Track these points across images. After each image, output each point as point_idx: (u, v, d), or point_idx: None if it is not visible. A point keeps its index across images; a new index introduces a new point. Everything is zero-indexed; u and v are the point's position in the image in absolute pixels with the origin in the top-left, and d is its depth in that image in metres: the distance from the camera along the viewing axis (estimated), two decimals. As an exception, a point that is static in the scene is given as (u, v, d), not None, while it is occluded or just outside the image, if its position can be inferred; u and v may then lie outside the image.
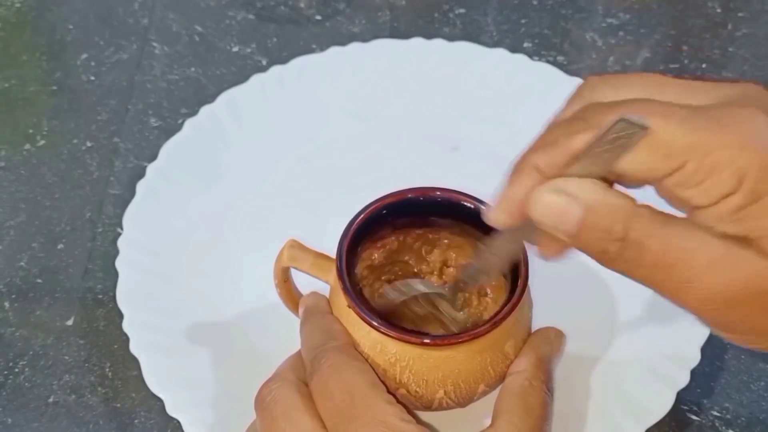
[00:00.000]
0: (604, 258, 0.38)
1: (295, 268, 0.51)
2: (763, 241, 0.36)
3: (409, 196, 0.51)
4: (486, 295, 0.52)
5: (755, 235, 0.36)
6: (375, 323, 0.46)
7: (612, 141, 0.36)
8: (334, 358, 0.45)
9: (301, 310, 0.50)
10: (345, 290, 0.47)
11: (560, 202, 0.38)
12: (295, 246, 0.50)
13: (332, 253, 0.49)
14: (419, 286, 0.51)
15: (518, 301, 0.47)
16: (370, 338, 0.47)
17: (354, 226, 0.49)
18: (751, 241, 0.36)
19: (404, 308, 0.51)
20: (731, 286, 0.37)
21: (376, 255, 0.53)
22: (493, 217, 0.40)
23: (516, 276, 0.48)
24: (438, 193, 0.51)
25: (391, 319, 0.48)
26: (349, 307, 0.47)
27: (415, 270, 0.54)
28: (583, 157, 0.37)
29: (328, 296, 0.50)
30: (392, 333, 0.46)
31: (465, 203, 0.50)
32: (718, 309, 0.37)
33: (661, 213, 0.37)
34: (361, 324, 0.47)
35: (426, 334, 0.47)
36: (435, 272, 0.54)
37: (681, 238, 0.37)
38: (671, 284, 0.37)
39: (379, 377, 0.46)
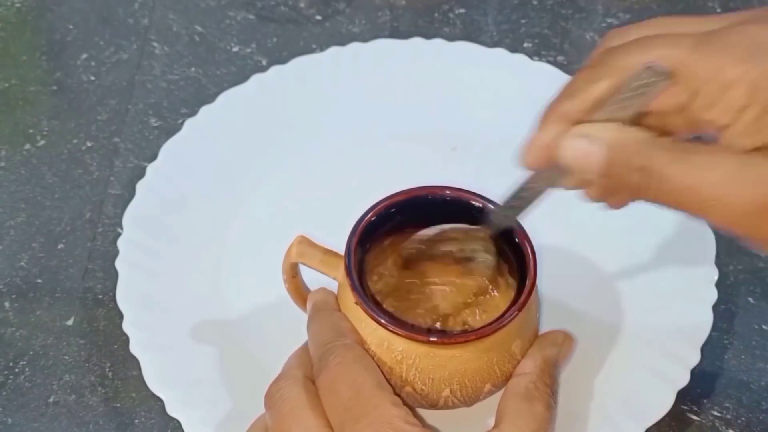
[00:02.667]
0: (631, 190, 0.40)
1: (304, 264, 0.51)
2: None
3: (419, 194, 0.51)
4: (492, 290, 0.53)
5: None
6: (382, 320, 0.46)
7: (636, 88, 0.39)
8: (342, 355, 0.45)
9: (309, 306, 0.50)
10: (353, 287, 0.47)
11: (585, 145, 0.40)
12: (304, 242, 0.51)
13: (339, 250, 0.49)
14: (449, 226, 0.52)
15: (525, 301, 0.47)
16: (376, 335, 0.47)
17: (363, 223, 0.50)
18: None
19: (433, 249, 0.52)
20: (756, 196, 0.38)
21: (386, 253, 0.53)
22: (524, 160, 0.42)
23: (524, 276, 0.48)
24: (447, 192, 0.51)
25: (399, 312, 0.48)
26: (357, 303, 0.47)
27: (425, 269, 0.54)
28: (607, 103, 0.39)
29: (337, 292, 0.50)
30: (399, 330, 0.46)
31: (474, 202, 0.50)
32: (748, 221, 0.38)
33: (682, 141, 0.39)
34: (368, 321, 0.47)
35: (433, 332, 0.47)
36: (444, 269, 0.54)
37: (701, 160, 0.38)
38: (698, 205, 0.39)
39: (384, 375, 0.46)
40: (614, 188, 0.41)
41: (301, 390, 0.45)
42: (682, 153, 0.39)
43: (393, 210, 0.50)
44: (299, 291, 0.52)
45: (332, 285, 0.51)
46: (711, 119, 0.39)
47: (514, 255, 0.50)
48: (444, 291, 0.53)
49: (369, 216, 0.50)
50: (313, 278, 0.52)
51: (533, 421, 0.45)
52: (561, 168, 0.41)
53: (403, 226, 0.52)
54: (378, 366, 0.46)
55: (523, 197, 0.46)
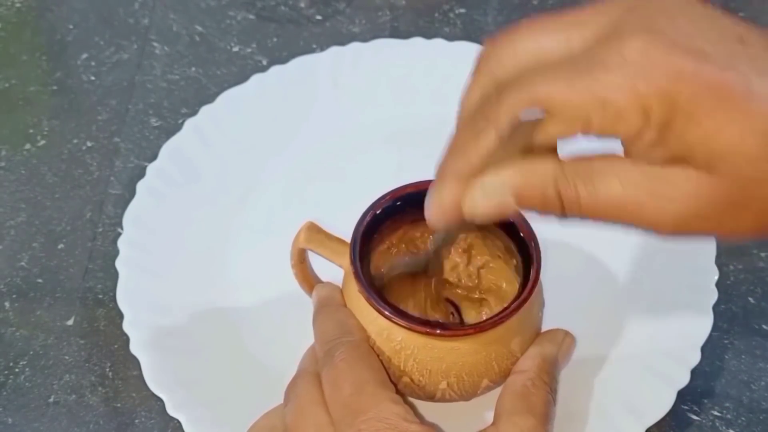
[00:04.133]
0: (555, 217, 0.40)
1: (311, 250, 0.51)
2: (693, 157, 0.37)
3: (426, 188, 0.51)
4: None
5: (683, 155, 0.37)
6: (382, 309, 0.47)
7: (520, 131, 0.38)
8: (347, 352, 0.46)
9: (314, 301, 0.51)
10: (356, 275, 0.48)
11: (491, 199, 0.40)
12: (313, 228, 0.51)
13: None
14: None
15: (526, 299, 0.47)
16: (377, 324, 0.47)
17: (371, 213, 0.50)
18: (682, 159, 0.37)
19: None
20: (677, 207, 0.37)
21: (391, 245, 0.53)
22: (432, 222, 0.42)
23: (528, 274, 0.48)
24: None
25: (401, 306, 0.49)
26: (359, 292, 0.47)
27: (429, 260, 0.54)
28: (498, 148, 0.39)
29: (342, 281, 0.51)
30: (399, 320, 0.46)
31: None
32: (677, 229, 0.38)
33: (589, 160, 0.39)
34: (369, 309, 0.47)
35: (433, 324, 0.48)
36: (447, 260, 0.54)
37: (611, 181, 0.38)
38: (621, 221, 0.39)
39: (383, 364, 0.46)
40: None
41: (312, 386, 0.46)
42: (590, 175, 0.38)
43: (400, 203, 0.51)
44: (307, 277, 0.53)
45: (338, 273, 0.51)
46: (607, 140, 0.38)
47: (520, 252, 0.50)
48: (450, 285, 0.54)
49: (377, 207, 0.50)
50: (321, 265, 0.52)
51: (531, 417, 0.45)
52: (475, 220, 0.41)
53: (410, 219, 0.52)
54: (377, 356, 0.47)
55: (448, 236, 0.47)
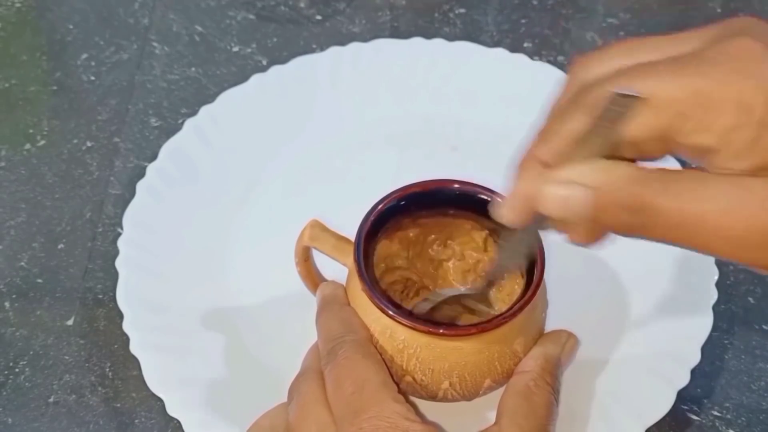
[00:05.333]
0: (626, 230, 0.38)
1: (315, 248, 0.51)
2: None
3: (430, 187, 0.51)
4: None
5: None
6: (385, 308, 0.47)
7: (609, 117, 0.36)
8: (350, 351, 0.46)
9: (318, 299, 0.51)
10: (360, 273, 0.48)
11: (569, 192, 0.38)
12: (317, 226, 0.51)
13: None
14: (446, 291, 0.52)
15: (530, 299, 0.47)
16: (380, 323, 0.47)
17: (375, 212, 0.50)
18: None
19: (438, 314, 0.51)
20: (758, 222, 0.35)
21: (395, 244, 0.53)
22: (504, 216, 0.40)
23: (532, 275, 0.48)
24: (456, 185, 0.51)
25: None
26: (363, 290, 0.48)
27: (434, 261, 0.54)
28: (584, 139, 0.37)
29: (346, 279, 0.51)
30: (402, 319, 0.47)
31: (482, 196, 0.50)
32: (753, 250, 0.36)
33: (671, 171, 0.37)
34: (373, 308, 0.47)
35: (435, 323, 0.48)
36: (453, 261, 0.54)
37: (695, 191, 0.36)
38: (698, 239, 0.36)
39: (386, 363, 0.46)
40: (602, 230, 0.39)
41: (316, 385, 0.46)
42: (674, 185, 0.36)
43: (405, 202, 0.51)
44: (311, 275, 0.53)
45: (342, 272, 0.51)
46: (697, 144, 0.36)
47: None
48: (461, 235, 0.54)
49: (382, 205, 0.50)
50: (325, 264, 0.52)
51: (533, 418, 0.45)
52: (545, 218, 0.39)
53: (415, 218, 0.52)
54: (380, 355, 0.47)
55: (512, 253, 0.45)
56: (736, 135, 0.36)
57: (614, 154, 0.38)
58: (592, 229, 0.39)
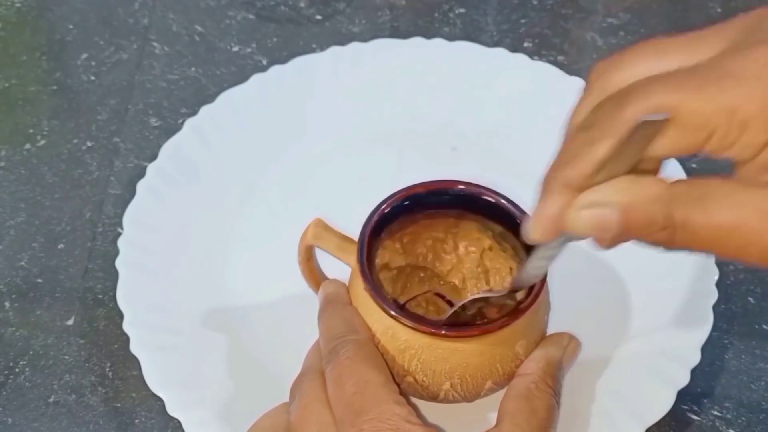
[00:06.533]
0: (658, 245, 0.38)
1: (319, 247, 0.51)
2: None
3: (435, 188, 0.51)
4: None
5: None
6: (387, 308, 0.47)
7: (636, 142, 0.36)
8: (352, 350, 0.46)
9: (320, 297, 0.51)
10: (362, 273, 0.48)
11: (597, 214, 0.38)
12: (320, 225, 0.51)
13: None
14: (469, 297, 0.51)
15: (533, 302, 0.47)
16: (382, 323, 0.47)
17: (379, 212, 0.50)
18: None
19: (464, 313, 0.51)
20: None
21: (398, 244, 0.53)
22: (532, 236, 0.40)
23: None
24: (461, 186, 0.51)
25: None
26: (365, 290, 0.47)
27: (436, 261, 0.54)
28: (610, 161, 0.37)
29: (349, 279, 0.50)
30: (404, 320, 0.46)
31: (487, 197, 0.51)
32: None
33: (699, 183, 0.37)
34: (375, 308, 0.47)
35: (438, 324, 0.47)
36: (454, 262, 0.54)
37: (726, 205, 0.36)
38: (732, 250, 0.36)
39: (387, 364, 0.46)
40: (630, 239, 0.39)
41: (317, 385, 0.46)
42: (703, 199, 0.36)
43: (409, 202, 0.51)
44: (313, 274, 0.53)
45: (345, 271, 0.51)
46: (728, 156, 0.36)
47: (527, 255, 0.50)
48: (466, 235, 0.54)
49: (386, 205, 0.50)
50: (326, 263, 0.52)
51: (534, 421, 0.45)
52: (573, 236, 0.39)
53: (419, 218, 0.52)
54: (382, 355, 0.47)
55: (540, 262, 0.45)
56: (762, 150, 0.36)
57: (638, 167, 0.38)
58: (620, 239, 0.39)
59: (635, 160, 0.37)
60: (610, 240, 0.39)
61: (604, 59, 0.40)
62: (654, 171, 0.39)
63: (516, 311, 0.47)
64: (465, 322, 0.49)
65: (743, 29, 0.38)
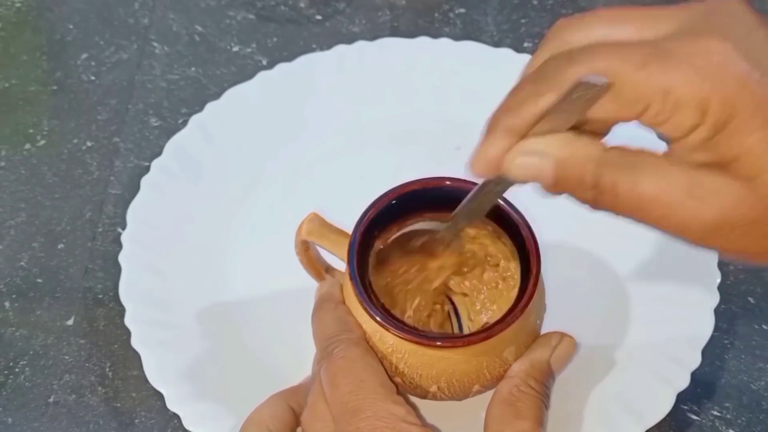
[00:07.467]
0: (585, 203, 0.40)
1: (313, 242, 0.51)
2: (736, 166, 0.37)
3: (424, 186, 0.51)
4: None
5: (727, 161, 0.37)
6: (373, 314, 0.47)
7: (574, 101, 0.38)
8: (347, 349, 0.46)
9: (315, 298, 0.51)
10: (351, 277, 0.48)
11: (532, 162, 0.40)
12: (315, 219, 0.51)
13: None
14: (419, 225, 0.51)
15: (521, 313, 0.47)
16: (370, 325, 0.48)
17: (370, 214, 0.50)
18: (725, 165, 0.37)
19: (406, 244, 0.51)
20: (710, 213, 0.37)
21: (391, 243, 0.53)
22: (473, 170, 0.42)
23: (527, 280, 0.48)
24: (448, 182, 0.51)
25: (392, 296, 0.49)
26: (354, 294, 0.48)
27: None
28: (549, 114, 0.39)
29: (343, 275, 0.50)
30: (388, 327, 0.46)
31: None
32: (704, 236, 0.38)
33: (632, 153, 0.39)
34: (363, 311, 0.47)
35: (420, 333, 0.47)
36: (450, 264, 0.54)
37: (651, 177, 0.38)
38: (652, 218, 0.39)
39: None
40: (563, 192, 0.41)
41: (319, 384, 0.46)
42: (633, 169, 0.38)
43: (402, 200, 0.50)
44: (312, 263, 0.53)
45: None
46: (660, 132, 0.38)
47: (521, 258, 0.49)
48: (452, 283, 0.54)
49: (378, 204, 0.50)
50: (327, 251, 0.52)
51: (519, 422, 0.45)
52: (510, 179, 0.41)
53: (411, 217, 0.52)
54: (383, 367, 0.47)
55: (482, 198, 0.46)
56: (689, 135, 0.37)
57: (582, 126, 0.40)
58: (554, 190, 0.41)
59: (577, 119, 0.39)
60: (545, 189, 0.40)
61: (565, 17, 0.42)
62: (599, 134, 0.40)
63: (502, 322, 0.47)
64: (451, 334, 0.49)
65: (700, 14, 0.39)
